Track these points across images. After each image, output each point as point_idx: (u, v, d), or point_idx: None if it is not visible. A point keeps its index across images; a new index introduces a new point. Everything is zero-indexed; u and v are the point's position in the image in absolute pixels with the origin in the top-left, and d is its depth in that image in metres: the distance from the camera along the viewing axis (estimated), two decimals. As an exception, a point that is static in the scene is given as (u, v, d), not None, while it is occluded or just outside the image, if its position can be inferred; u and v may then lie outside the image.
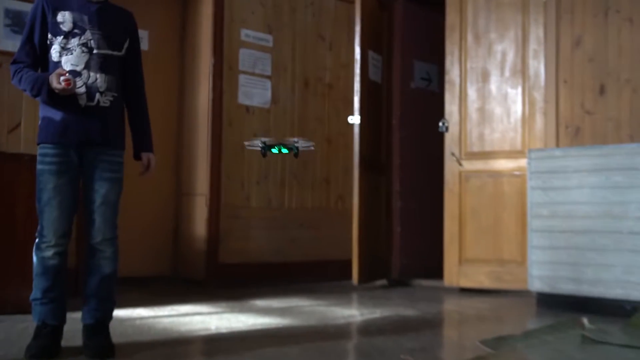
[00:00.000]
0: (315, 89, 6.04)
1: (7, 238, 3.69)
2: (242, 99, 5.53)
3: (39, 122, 2.80)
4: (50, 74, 2.66)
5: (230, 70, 5.47)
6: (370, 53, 5.70)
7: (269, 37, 5.73)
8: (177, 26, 5.62)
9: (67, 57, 2.73)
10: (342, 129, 6.14)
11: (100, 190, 2.76)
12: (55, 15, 2.75)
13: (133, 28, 2.92)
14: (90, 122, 2.72)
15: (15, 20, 4.45)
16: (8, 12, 4.42)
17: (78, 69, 2.73)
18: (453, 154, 5.42)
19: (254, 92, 5.62)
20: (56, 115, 2.72)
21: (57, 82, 2.61)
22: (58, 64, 2.73)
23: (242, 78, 5.55)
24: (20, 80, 2.75)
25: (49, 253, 2.72)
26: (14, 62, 2.79)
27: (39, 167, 2.73)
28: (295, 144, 2.50)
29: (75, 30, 2.74)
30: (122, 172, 2.85)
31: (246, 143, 2.62)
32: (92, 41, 2.75)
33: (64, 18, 2.75)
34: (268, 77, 5.71)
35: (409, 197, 6.19)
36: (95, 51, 2.75)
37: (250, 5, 5.61)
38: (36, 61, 2.78)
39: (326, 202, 6.08)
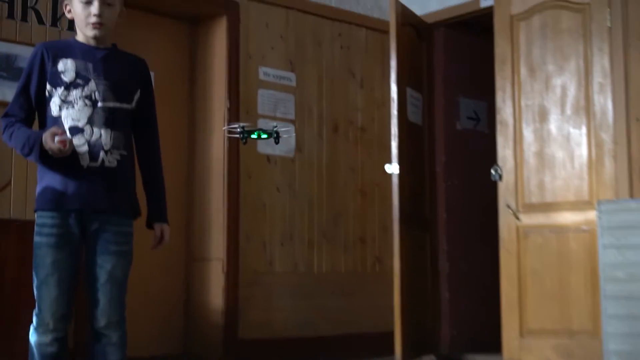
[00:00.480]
0: (346, 134, 6.06)
1: (-6, 316, 3.70)
2: (262, 148, 5.55)
3: (37, 186, 2.82)
4: (45, 131, 2.68)
5: (247, 115, 5.50)
6: (409, 90, 5.72)
7: (292, 75, 5.77)
8: (186, 66, 5.69)
9: (68, 111, 2.74)
10: (377, 179, 6.13)
11: (106, 265, 2.76)
12: (55, 64, 2.78)
13: (145, 77, 2.96)
14: (93, 185, 2.73)
15: (4, 64, 4.53)
16: (-4, 57, 4.51)
17: (80, 124, 2.74)
18: (508, 206, 5.37)
19: (276, 139, 5.63)
20: (54, 178, 2.73)
21: (52, 142, 2.62)
22: (57, 119, 2.74)
23: (261, 123, 5.57)
24: (10, 137, 2.77)
25: (47, 339, 2.71)
26: (6, 116, 2.81)
27: (35, 239, 2.74)
28: (275, 129, 2.69)
29: (78, 81, 2.76)
30: (132, 244, 2.85)
31: (224, 128, 2.73)
32: (96, 93, 2.77)
33: (66, 67, 2.78)
34: (291, 121, 5.74)
35: (458, 257, 6.13)
36: (100, 104, 2.76)
37: (269, 39, 5.68)
38: (31, 115, 2.82)
39: (362, 264, 6.05)
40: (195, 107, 5.66)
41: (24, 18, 4.62)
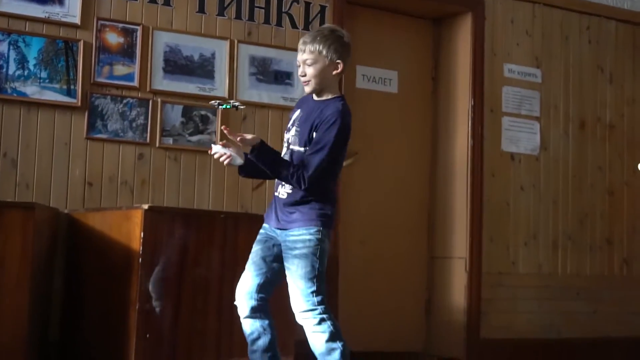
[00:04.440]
0: (594, 131, 5.80)
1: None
2: (506, 146, 5.45)
3: None
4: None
5: (491, 113, 5.41)
6: (665, 86, 5.38)
7: (537, 72, 5.60)
8: (429, 65, 5.64)
9: (283, 152, 3.21)
10: (627, 179, 5.85)
11: (289, 267, 3.11)
12: (294, 113, 3.28)
13: (321, 118, 3.08)
14: (275, 209, 3.19)
15: (260, 68, 4.72)
16: (253, 60, 4.70)
17: None
18: None
19: (520, 137, 5.50)
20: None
21: None
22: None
23: (505, 121, 5.46)
24: None
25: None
26: None
27: None
28: (233, 103, 3.28)
29: (289, 126, 3.22)
30: (311, 247, 3.06)
31: (212, 102, 3.31)
32: (290, 137, 3.18)
33: (291, 116, 3.26)
34: (536, 118, 5.57)
35: None
36: (290, 147, 3.17)
37: (514, 35, 5.54)
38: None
39: (608, 267, 5.78)
40: (439, 105, 5.62)
41: (279, 23, 4.78)
